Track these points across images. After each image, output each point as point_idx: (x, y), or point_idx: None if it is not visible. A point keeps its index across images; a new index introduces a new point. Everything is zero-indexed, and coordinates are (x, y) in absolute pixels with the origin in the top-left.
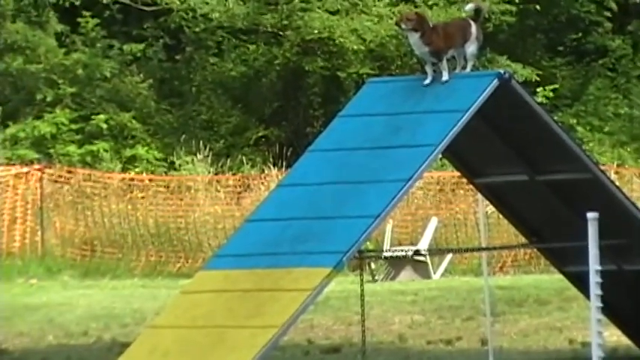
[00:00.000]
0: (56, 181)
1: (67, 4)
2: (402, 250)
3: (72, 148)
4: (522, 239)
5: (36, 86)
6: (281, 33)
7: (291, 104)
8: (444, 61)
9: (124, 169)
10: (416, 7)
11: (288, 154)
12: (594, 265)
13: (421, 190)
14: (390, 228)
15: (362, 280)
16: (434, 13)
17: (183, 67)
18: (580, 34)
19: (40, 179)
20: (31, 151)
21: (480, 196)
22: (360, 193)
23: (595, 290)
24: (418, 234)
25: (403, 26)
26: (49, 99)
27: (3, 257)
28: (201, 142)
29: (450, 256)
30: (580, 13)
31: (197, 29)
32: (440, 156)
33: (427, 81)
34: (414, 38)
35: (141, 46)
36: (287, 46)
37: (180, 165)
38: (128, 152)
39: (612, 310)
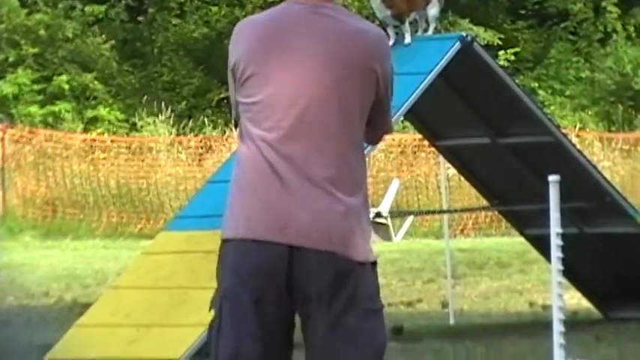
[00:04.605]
0: (18, 142)
1: None
2: (367, 218)
3: (34, 108)
4: (484, 202)
5: None
6: None
7: None
8: (406, 24)
9: (85, 130)
10: None
11: None
12: (555, 227)
13: (382, 153)
14: None
15: None
16: None
17: (146, 29)
18: None
19: (2, 139)
20: None
21: (441, 158)
22: None
23: (556, 253)
24: (379, 196)
25: None
26: (11, 59)
27: None
28: (163, 104)
29: (411, 218)
30: None
31: None
32: (402, 118)
33: (389, 43)
34: (375, 2)
35: (103, 8)
36: (249, 8)
37: (142, 126)
38: (90, 113)
39: (573, 273)
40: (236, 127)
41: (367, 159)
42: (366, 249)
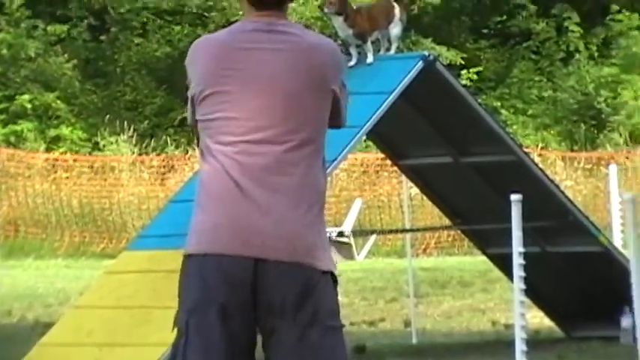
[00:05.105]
0: None
1: None
2: (325, 232)
3: None
4: (446, 221)
5: None
6: (206, 14)
7: None
8: (369, 43)
9: (48, 149)
10: None
11: None
12: (517, 247)
13: (345, 172)
14: None
15: None
16: None
17: (108, 48)
18: (504, 17)
19: None
20: None
21: (404, 177)
22: None
23: (518, 272)
24: (342, 215)
25: (326, 10)
26: None
27: None
28: (125, 123)
29: (373, 237)
30: None
31: (122, 10)
32: (364, 138)
33: (352, 63)
34: (337, 21)
35: (65, 27)
36: (212, 27)
37: (104, 145)
38: (52, 132)
39: (535, 292)
40: (198, 141)
41: (329, 178)
42: (327, 259)
